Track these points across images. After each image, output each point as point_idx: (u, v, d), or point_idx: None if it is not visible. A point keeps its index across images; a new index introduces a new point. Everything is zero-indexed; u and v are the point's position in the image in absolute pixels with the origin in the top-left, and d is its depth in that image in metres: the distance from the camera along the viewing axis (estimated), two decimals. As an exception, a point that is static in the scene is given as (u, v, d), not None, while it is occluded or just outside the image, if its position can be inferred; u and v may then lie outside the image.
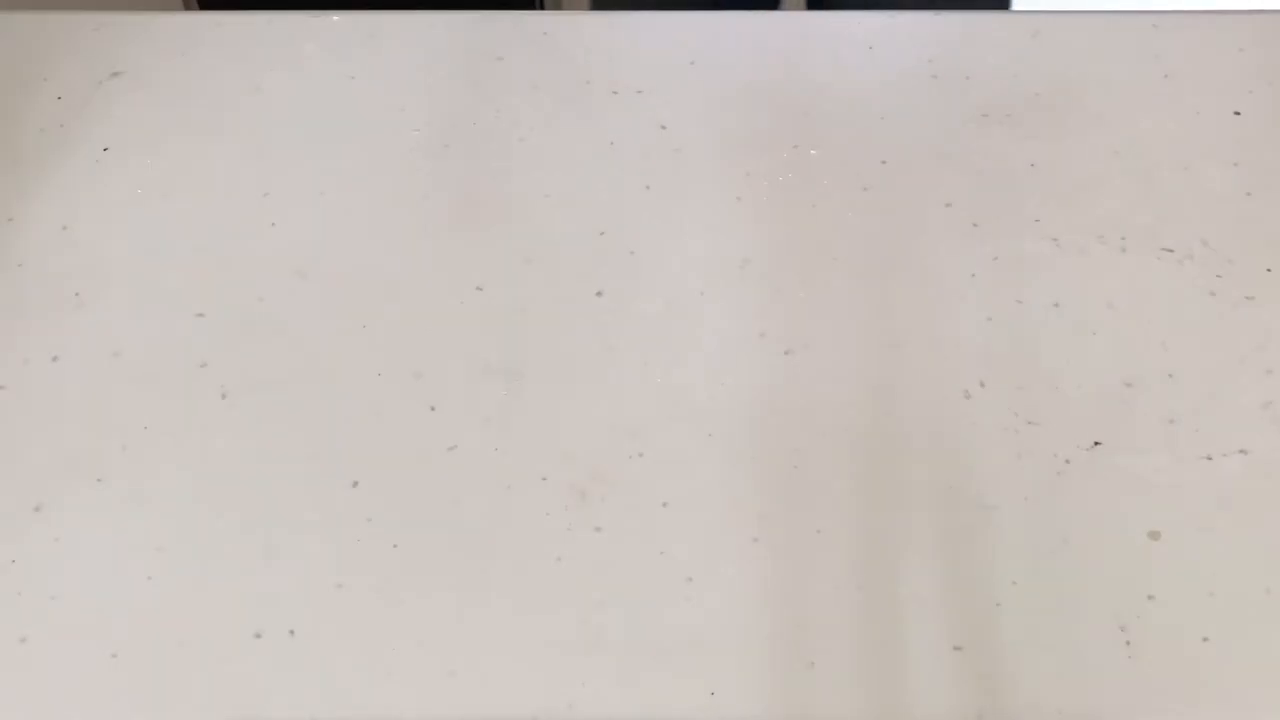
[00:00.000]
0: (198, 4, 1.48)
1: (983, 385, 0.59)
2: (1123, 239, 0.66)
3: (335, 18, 0.77)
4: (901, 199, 0.68)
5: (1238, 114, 0.75)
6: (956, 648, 0.50)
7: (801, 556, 0.53)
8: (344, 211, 0.66)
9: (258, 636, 0.51)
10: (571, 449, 0.57)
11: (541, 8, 0.82)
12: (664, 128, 0.75)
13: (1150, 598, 0.52)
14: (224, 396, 0.59)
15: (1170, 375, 0.60)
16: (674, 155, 0.73)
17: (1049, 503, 0.55)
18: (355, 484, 0.55)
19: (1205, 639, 0.51)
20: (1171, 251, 0.67)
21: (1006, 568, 0.53)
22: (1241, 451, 0.57)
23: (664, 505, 0.55)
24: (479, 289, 0.63)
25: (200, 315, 0.63)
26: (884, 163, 0.72)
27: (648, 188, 0.71)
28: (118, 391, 0.60)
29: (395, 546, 0.53)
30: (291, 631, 0.51)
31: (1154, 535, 0.54)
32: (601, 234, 0.65)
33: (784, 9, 0.81)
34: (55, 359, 0.61)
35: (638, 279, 0.63)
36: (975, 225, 0.65)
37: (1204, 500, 0.55)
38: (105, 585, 0.53)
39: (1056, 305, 0.63)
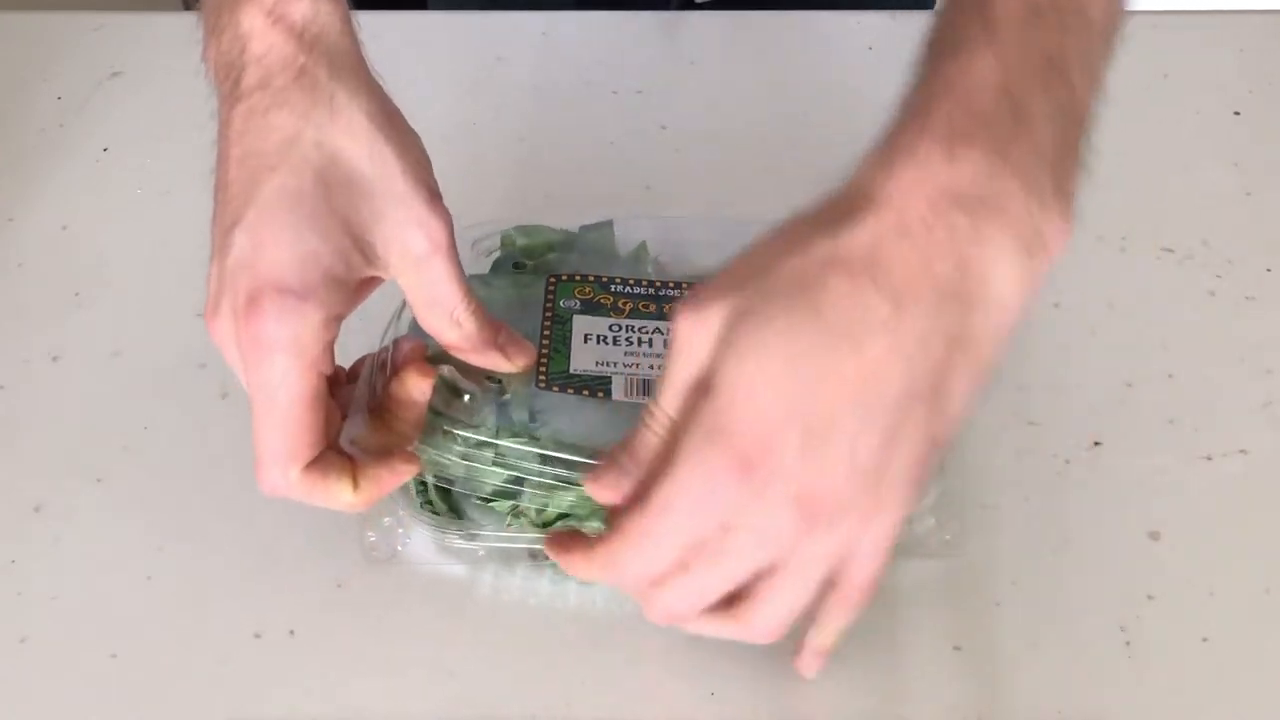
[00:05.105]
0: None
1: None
2: (1123, 239, 0.66)
3: (335, 18, 0.77)
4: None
5: (1238, 114, 0.75)
6: (956, 648, 0.50)
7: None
8: (344, 211, 0.66)
9: (258, 636, 0.51)
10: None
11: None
12: (664, 128, 0.75)
13: (1150, 598, 0.52)
14: (224, 396, 0.59)
15: (1170, 375, 0.60)
16: (674, 155, 0.73)
17: (1049, 503, 0.55)
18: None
19: (1205, 639, 0.51)
20: (1171, 251, 0.67)
21: (1006, 568, 0.53)
22: (1241, 451, 0.57)
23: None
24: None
25: (200, 315, 0.62)
26: (884, 163, 0.72)
27: (648, 188, 0.70)
28: (118, 391, 0.60)
29: (392, 536, 0.53)
30: (291, 631, 0.51)
31: (1154, 535, 0.54)
32: (601, 234, 0.65)
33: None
34: (55, 359, 0.61)
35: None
36: (975, 225, 0.65)
37: (1204, 500, 0.55)
38: (105, 585, 0.53)
39: (1056, 305, 0.63)
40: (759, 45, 0.81)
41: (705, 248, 0.59)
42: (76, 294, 0.64)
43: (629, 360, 0.52)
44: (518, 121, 0.74)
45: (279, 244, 0.41)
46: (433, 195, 0.44)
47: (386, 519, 0.52)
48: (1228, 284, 0.64)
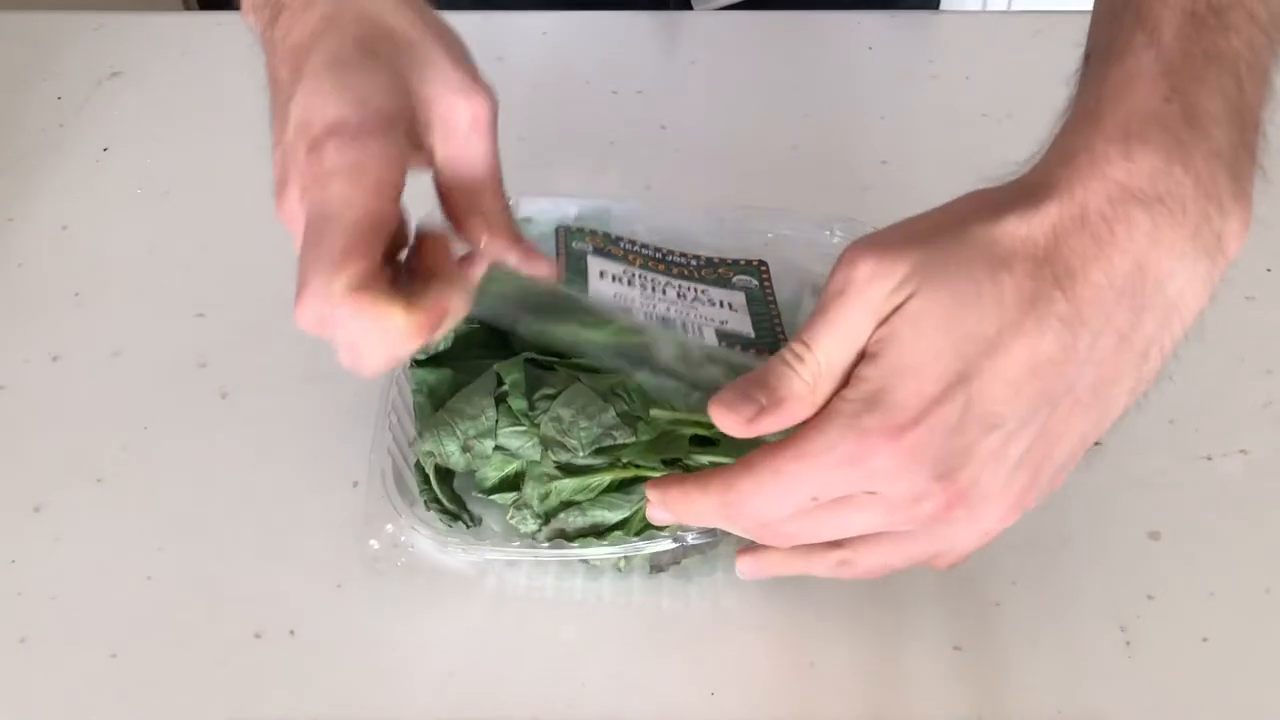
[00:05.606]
0: (198, 4, 1.49)
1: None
2: (1123, 239, 0.66)
3: (335, 18, 0.77)
4: (901, 200, 0.67)
5: (1238, 114, 0.75)
6: (956, 648, 0.50)
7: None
8: (344, 211, 0.66)
9: (258, 636, 0.51)
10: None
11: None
12: (664, 128, 0.75)
13: (1150, 598, 0.52)
14: (224, 396, 0.59)
15: (1170, 375, 0.60)
16: (674, 155, 0.73)
17: (1049, 503, 0.55)
18: (355, 484, 0.55)
19: (1205, 639, 0.51)
20: (1171, 251, 0.67)
21: (1006, 568, 0.53)
22: (1241, 451, 0.57)
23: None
24: (479, 289, 0.63)
25: (200, 315, 0.63)
26: (884, 163, 0.72)
27: (648, 187, 0.71)
28: (118, 391, 0.60)
29: (395, 546, 0.53)
30: (291, 631, 0.51)
31: (1154, 535, 0.54)
32: (601, 234, 0.65)
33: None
34: (55, 359, 0.61)
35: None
36: (975, 225, 0.65)
37: (1204, 500, 0.55)
38: (105, 585, 0.53)
39: (1056, 305, 0.63)
40: (759, 45, 0.81)
41: (700, 237, 0.59)
42: (76, 294, 0.64)
43: (645, 300, 0.52)
44: (518, 121, 0.74)
45: (330, 97, 0.40)
46: (476, 71, 0.43)
47: (389, 526, 0.52)
48: (1228, 284, 0.64)
